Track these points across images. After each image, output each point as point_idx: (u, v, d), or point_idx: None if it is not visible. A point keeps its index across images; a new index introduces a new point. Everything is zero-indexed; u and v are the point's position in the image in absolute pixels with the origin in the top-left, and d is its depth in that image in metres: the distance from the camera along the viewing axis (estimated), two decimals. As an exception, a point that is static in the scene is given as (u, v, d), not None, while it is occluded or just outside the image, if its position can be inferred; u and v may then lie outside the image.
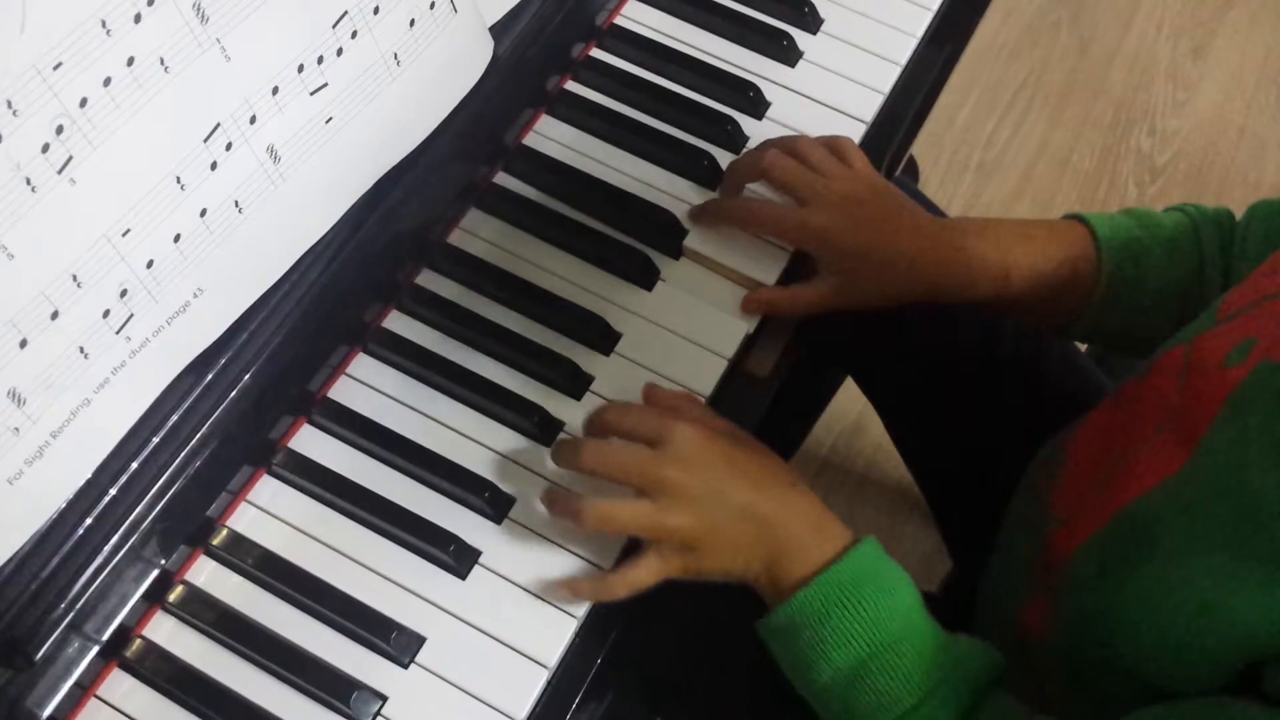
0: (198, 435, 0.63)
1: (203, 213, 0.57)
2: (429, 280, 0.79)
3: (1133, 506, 0.62)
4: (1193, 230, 0.77)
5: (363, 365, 0.76)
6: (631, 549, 0.69)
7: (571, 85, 0.87)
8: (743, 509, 0.65)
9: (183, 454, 0.63)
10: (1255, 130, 1.84)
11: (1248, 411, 0.57)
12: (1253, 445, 0.56)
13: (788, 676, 0.67)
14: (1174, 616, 0.57)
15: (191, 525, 0.68)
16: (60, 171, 0.50)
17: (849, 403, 1.21)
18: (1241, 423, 0.57)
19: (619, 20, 0.90)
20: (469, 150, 0.77)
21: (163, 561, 0.66)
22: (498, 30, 0.74)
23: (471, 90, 0.71)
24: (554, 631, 0.68)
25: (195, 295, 0.58)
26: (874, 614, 0.63)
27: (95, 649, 0.65)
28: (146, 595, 0.66)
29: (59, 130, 0.49)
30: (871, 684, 0.63)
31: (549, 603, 0.68)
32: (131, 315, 0.55)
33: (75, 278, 0.52)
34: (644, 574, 0.66)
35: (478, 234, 0.81)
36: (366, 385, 0.75)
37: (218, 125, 0.55)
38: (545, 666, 0.67)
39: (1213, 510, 0.57)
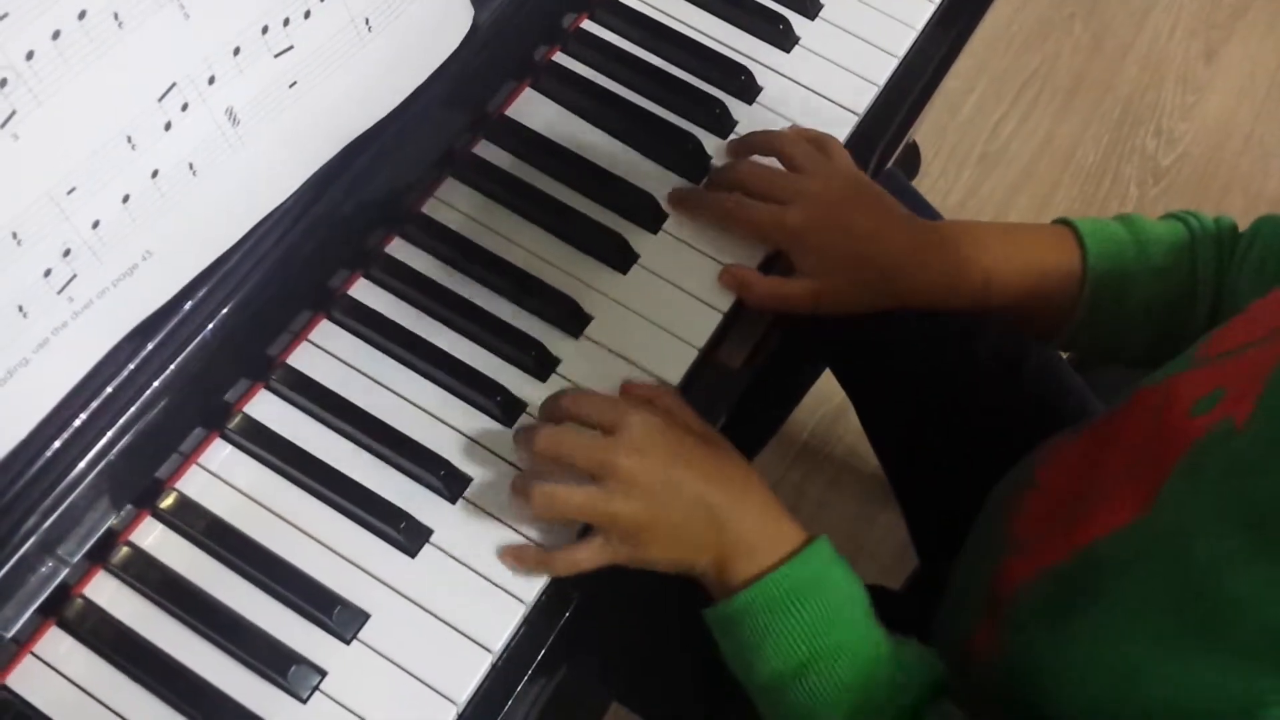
0: (143, 397, 0.62)
1: (154, 174, 0.55)
2: (399, 250, 0.77)
3: (1088, 549, 0.61)
4: (1189, 247, 0.74)
5: (325, 333, 0.74)
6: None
7: (560, 57, 0.85)
8: (695, 502, 0.64)
9: (128, 414, 0.62)
10: (1262, 138, 1.82)
11: (1202, 469, 0.55)
12: (1201, 508, 0.54)
13: (730, 668, 0.66)
14: (1101, 674, 0.56)
15: (139, 486, 0.67)
16: (2, 126, 0.48)
17: (832, 387, 1.20)
18: (1195, 481, 0.55)
19: (612, -8, 0.87)
20: (444, 120, 0.76)
21: (108, 521, 0.65)
22: (480, -2, 0.72)
23: (448, 59, 0.69)
24: (501, 615, 0.67)
25: (144, 258, 0.56)
26: (815, 619, 0.62)
27: (33, 606, 0.63)
28: (89, 555, 0.65)
29: (2, 84, 0.47)
30: (808, 689, 0.62)
31: (498, 586, 0.67)
32: (75, 275, 0.54)
33: (15, 235, 0.51)
34: (588, 556, 0.65)
35: (453, 205, 0.79)
36: (328, 353, 0.74)
37: (173, 84, 0.53)
38: (489, 651, 0.66)
39: (1158, 569, 0.55)
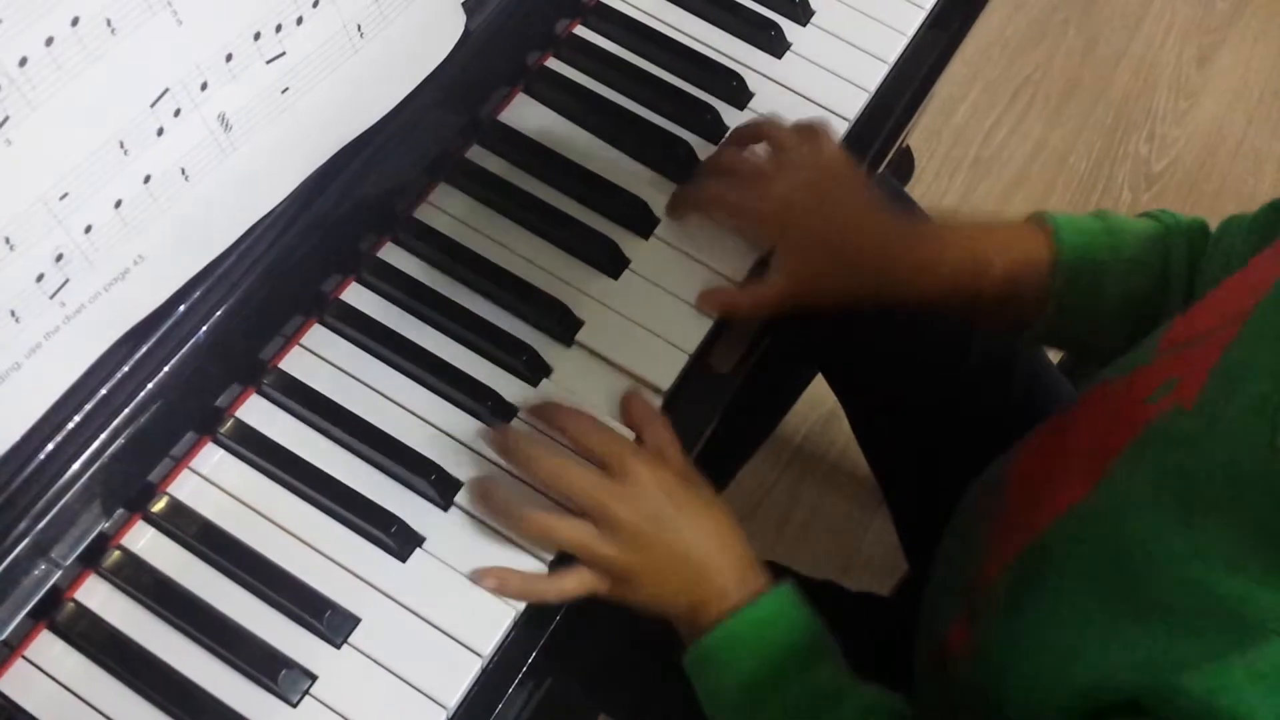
0: (136, 401, 0.62)
1: (146, 179, 0.55)
2: (391, 254, 0.77)
3: (1042, 536, 0.62)
4: (1162, 244, 0.75)
5: (317, 337, 0.74)
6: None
7: (552, 63, 0.85)
8: (680, 555, 0.66)
9: (120, 418, 0.62)
10: (1254, 143, 1.83)
11: (1146, 452, 0.56)
12: (1139, 484, 0.55)
13: (704, 710, 0.68)
14: (1048, 657, 0.57)
15: (131, 490, 0.67)
16: (-5, 131, 0.49)
17: (825, 393, 1.21)
18: (1137, 459, 0.56)
19: (605, -2, 0.88)
20: (437, 125, 0.76)
21: (100, 525, 0.65)
22: (473, 3, 0.72)
23: (440, 64, 0.69)
24: (491, 620, 0.67)
25: (136, 262, 0.57)
26: (777, 657, 0.64)
27: (25, 609, 0.64)
28: (81, 558, 0.65)
29: (-5, 89, 0.48)
30: None
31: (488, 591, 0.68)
32: (67, 280, 0.54)
33: (8, 240, 0.51)
34: (573, 587, 0.66)
35: (446, 210, 0.79)
36: (320, 358, 0.74)
37: (166, 90, 0.54)
38: (479, 655, 0.66)
39: (1098, 545, 0.56)
